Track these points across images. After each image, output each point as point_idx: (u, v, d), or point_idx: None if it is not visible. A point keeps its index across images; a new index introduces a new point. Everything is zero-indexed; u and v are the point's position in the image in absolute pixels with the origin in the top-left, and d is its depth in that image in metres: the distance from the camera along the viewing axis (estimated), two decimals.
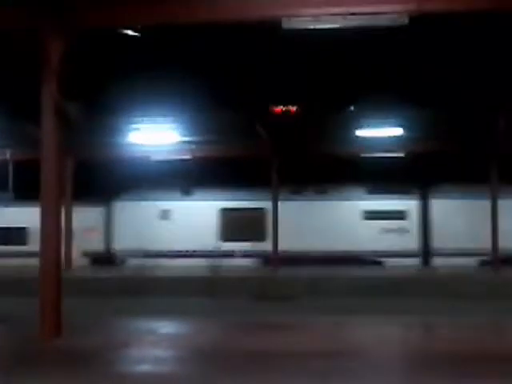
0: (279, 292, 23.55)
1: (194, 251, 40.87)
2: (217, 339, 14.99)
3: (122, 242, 41.86)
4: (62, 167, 17.09)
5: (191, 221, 41.59)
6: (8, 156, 37.12)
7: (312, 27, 14.72)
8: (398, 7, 14.25)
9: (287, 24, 14.50)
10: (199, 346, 14.12)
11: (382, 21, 14.47)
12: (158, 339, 14.98)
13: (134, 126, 31.82)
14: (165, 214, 41.81)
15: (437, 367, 11.69)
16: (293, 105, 30.27)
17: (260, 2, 14.44)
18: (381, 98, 28.82)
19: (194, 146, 37.28)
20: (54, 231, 15.21)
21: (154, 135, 33.11)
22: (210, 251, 40.42)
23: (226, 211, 41.67)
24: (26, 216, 41.07)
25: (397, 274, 31.54)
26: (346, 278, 29.34)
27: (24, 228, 41.88)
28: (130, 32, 15.15)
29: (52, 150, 15.16)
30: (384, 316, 17.99)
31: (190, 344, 14.40)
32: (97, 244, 42.39)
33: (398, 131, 32.57)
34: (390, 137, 34.19)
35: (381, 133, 32.85)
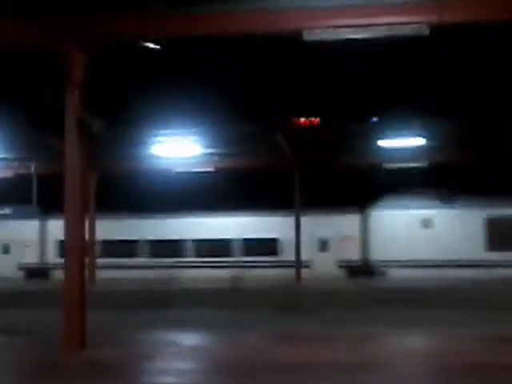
0: (303, 304, 23.52)
1: (456, 261, 39.27)
2: (241, 351, 14.98)
3: (381, 252, 40.66)
4: (86, 180, 17.19)
5: (454, 229, 40.06)
6: (32, 170, 37.39)
7: (333, 39, 14.74)
8: (418, 18, 14.24)
9: (308, 36, 14.53)
10: (223, 358, 14.13)
11: (403, 31, 14.46)
12: (181, 351, 15.00)
13: (157, 138, 31.96)
14: (426, 223, 40.71)
15: (465, 378, 11.63)
16: (315, 116, 30.30)
17: (282, 15, 14.48)
18: (403, 108, 28.78)
19: (216, 158, 37.39)
20: (78, 244, 15.29)
21: (178, 147, 33.24)
22: (474, 261, 38.75)
23: (493, 219, 40.01)
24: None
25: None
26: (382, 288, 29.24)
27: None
28: (152, 45, 15.21)
29: (76, 163, 15.25)
30: (411, 327, 17.92)
31: (214, 356, 14.41)
32: (353, 254, 40.98)
33: (421, 141, 32.49)
34: (412, 147, 34.10)
35: (403, 143, 32.78)
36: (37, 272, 43.30)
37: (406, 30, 14.44)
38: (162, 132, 31.07)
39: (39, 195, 39.68)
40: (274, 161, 37.14)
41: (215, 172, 40.30)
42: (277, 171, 40.61)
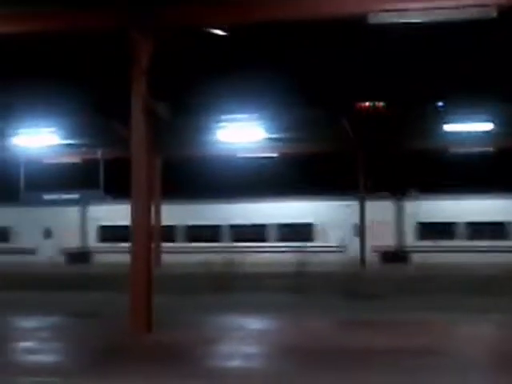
0: (369, 290, 23.39)
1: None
2: (308, 336, 15.01)
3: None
4: (152, 165, 17.38)
5: None
6: (99, 155, 37.90)
7: (399, 21, 14.59)
8: (486, 0, 14.01)
9: (373, 19, 14.41)
10: (290, 342, 14.17)
11: (470, 14, 14.24)
12: (246, 335, 15.09)
13: (221, 124, 32.11)
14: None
15: None
16: (380, 100, 30.06)
17: None
18: (470, 92, 28.36)
19: (280, 143, 37.39)
20: (145, 228, 15.47)
21: (241, 133, 33.33)
22: None
23: None
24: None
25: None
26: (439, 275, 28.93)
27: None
28: (218, 31, 15.27)
29: (142, 149, 15.42)
30: (473, 314, 17.70)
31: (281, 340, 14.46)
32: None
33: (488, 126, 32.01)
34: (479, 132, 33.60)
35: (470, 127, 32.34)
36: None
37: (474, 13, 14.22)
38: (226, 117, 31.20)
39: (106, 180, 40.10)
40: (338, 146, 36.98)
41: (279, 157, 40.29)
42: (340, 156, 40.39)
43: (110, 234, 42.97)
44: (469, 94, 28.48)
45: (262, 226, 42.04)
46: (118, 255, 35.84)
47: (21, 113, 32.17)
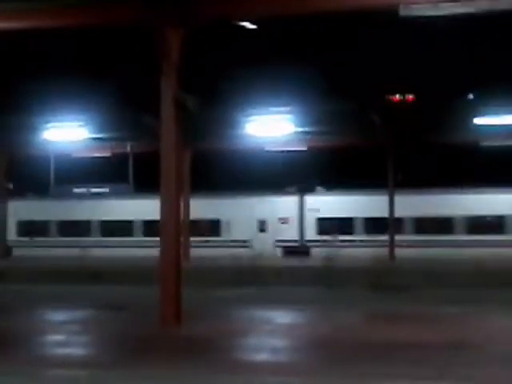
0: (395, 282, 23.27)
1: None
2: (339, 329, 14.96)
3: None
4: (181, 159, 17.38)
5: None
6: (128, 149, 38.02)
7: (430, 14, 14.46)
8: None
9: (405, 11, 14.27)
10: (317, 335, 14.14)
11: (502, 5, 14.07)
12: (275, 328, 15.08)
13: (250, 117, 32.07)
14: None
15: None
16: (410, 93, 29.89)
17: None
18: (501, 85, 28.10)
19: (309, 137, 37.26)
20: (174, 223, 15.47)
21: (270, 126, 33.24)
22: None
23: None
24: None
25: None
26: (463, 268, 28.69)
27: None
28: (248, 25, 15.24)
29: (171, 142, 15.41)
30: (503, 306, 17.55)
31: (309, 333, 14.43)
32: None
33: None
34: (510, 125, 33.22)
35: (501, 120, 31.99)
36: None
37: (505, 4, 14.05)
38: (255, 111, 31.15)
39: (135, 174, 40.29)
40: (368, 139, 36.80)
41: (308, 151, 40.17)
42: (370, 149, 40.24)
43: (327, 226, 41.03)
44: (500, 87, 28.23)
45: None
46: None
47: (51, 107, 32.37)
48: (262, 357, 12.06)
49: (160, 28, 15.05)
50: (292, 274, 28.33)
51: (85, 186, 42.69)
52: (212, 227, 42.74)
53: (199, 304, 18.60)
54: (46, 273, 29.15)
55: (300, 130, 35.18)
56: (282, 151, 41.11)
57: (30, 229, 44.29)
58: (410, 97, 30.03)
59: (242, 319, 16.48)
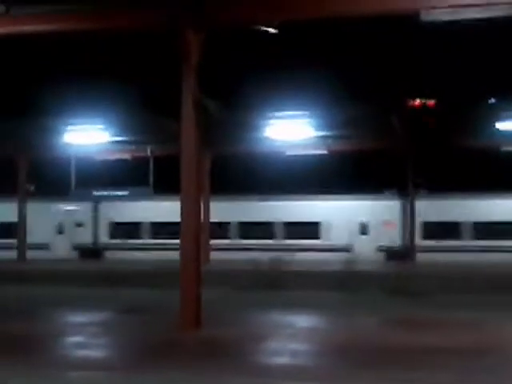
0: (411, 287, 23.15)
1: None
2: (358, 334, 14.94)
3: None
4: (201, 162, 17.42)
5: None
6: (149, 152, 38.12)
7: (451, 19, 14.43)
8: None
9: (426, 16, 14.27)
10: (337, 340, 14.13)
11: None
12: (295, 332, 15.08)
13: (270, 121, 32.05)
14: None
15: None
16: (431, 98, 29.79)
17: None
18: None
19: (329, 140, 37.18)
20: (194, 225, 15.52)
21: (290, 130, 33.18)
22: None
23: None
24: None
25: None
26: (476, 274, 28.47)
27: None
28: (268, 29, 15.26)
29: (192, 145, 15.47)
30: None
31: (328, 338, 14.42)
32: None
33: None
34: None
35: None
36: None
37: None
38: (275, 114, 31.13)
39: (155, 177, 40.24)
40: (389, 143, 36.68)
41: (329, 155, 40.03)
42: (391, 154, 40.11)
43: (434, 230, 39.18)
44: None
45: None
46: (444, 254, 35.79)
47: (72, 110, 32.53)
48: (282, 361, 12.08)
49: (181, 32, 15.12)
50: (311, 278, 28.30)
51: (105, 189, 42.66)
52: (310, 230, 41.00)
53: (219, 307, 18.60)
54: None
55: (321, 133, 35.10)
56: (302, 155, 40.95)
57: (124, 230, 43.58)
58: (431, 101, 29.91)
59: (262, 323, 16.51)
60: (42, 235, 43.21)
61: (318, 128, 33.36)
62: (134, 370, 11.34)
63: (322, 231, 41.02)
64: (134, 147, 39.05)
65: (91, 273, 30.21)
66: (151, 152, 38.18)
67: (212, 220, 38.81)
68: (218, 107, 25.50)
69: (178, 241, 15.71)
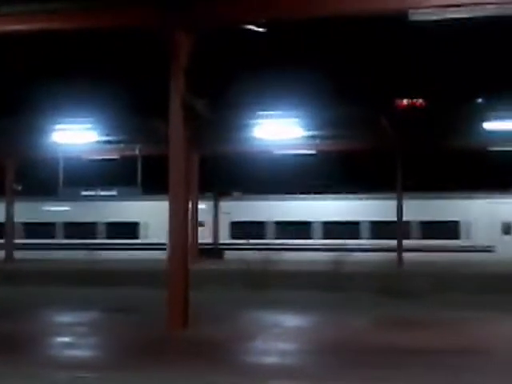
0: (403, 287, 23.17)
1: None
2: (346, 333, 14.95)
3: None
4: (190, 162, 17.39)
5: None
6: (137, 152, 38.03)
7: (439, 18, 14.45)
8: None
9: (414, 16, 14.28)
10: (325, 339, 14.12)
11: (510, 10, 14.05)
12: (283, 332, 15.07)
13: (258, 121, 32.03)
14: None
15: None
16: (418, 98, 29.82)
17: None
18: (510, 89, 28.03)
19: (317, 141, 37.17)
20: (182, 225, 15.50)
21: (279, 130, 33.16)
22: None
23: None
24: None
25: None
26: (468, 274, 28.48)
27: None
28: (255, 28, 15.25)
29: (180, 145, 15.45)
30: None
31: (319, 337, 14.42)
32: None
33: None
34: None
35: (509, 126, 31.85)
36: None
37: None
38: (264, 114, 31.11)
39: (143, 177, 40.14)
40: (377, 143, 36.69)
41: (317, 155, 40.05)
42: (379, 154, 40.16)
43: None
44: (510, 91, 28.17)
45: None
46: None
47: (60, 109, 32.43)
48: (270, 360, 12.07)
49: (169, 31, 15.09)
50: (301, 278, 28.26)
51: (93, 189, 42.47)
52: (449, 230, 40.29)
53: (206, 307, 18.57)
54: None
55: (309, 133, 35.09)
56: (291, 155, 40.93)
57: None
58: (419, 101, 29.95)
59: (250, 323, 16.50)
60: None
61: (307, 128, 33.36)
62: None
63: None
64: (122, 147, 38.95)
65: None
66: (139, 151, 38.10)
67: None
68: (207, 107, 25.45)
69: None
